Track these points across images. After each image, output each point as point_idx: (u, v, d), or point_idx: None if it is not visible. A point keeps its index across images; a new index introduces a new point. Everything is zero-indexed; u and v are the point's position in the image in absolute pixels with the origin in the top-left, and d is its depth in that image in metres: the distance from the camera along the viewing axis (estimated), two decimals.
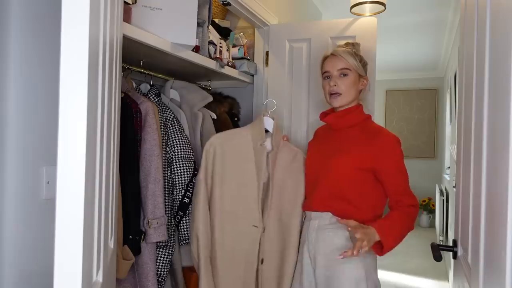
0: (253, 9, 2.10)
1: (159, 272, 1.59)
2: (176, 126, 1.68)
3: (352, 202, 1.45)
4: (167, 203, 1.62)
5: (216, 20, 2.21)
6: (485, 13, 0.84)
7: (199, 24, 1.70)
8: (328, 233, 1.48)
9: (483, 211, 0.82)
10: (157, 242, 1.56)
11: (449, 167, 4.65)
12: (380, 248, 1.37)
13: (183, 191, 1.65)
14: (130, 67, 1.61)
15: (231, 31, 2.21)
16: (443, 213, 4.58)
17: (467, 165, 1.02)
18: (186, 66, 1.79)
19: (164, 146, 1.63)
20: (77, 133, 0.65)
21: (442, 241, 4.54)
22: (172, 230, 1.66)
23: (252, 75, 2.35)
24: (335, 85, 1.52)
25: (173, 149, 1.65)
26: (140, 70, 1.68)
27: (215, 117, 2.00)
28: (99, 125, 0.78)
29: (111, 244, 1.05)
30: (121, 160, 1.32)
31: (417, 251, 4.90)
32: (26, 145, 1.13)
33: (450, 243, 1.46)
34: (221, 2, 1.92)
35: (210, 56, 1.87)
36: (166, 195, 1.62)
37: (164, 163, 1.61)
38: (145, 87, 1.79)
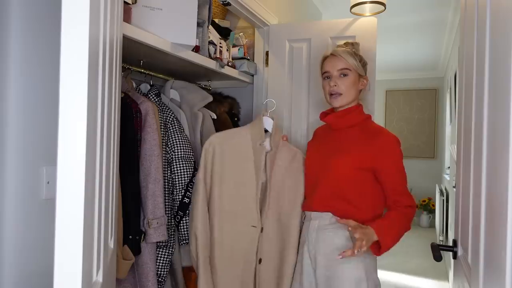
0: (253, 9, 2.10)
1: (159, 272, 1.59)
2: (176, 126, 1.68)
3: (352, 202, 1.46)
4: (167, 203, 1.62)
5: (216, 20, 2.21)
6: (485, 13, 0.84)
7: (199, 24, 1.70)
8: (328, 233, 1.48)
9: (483, 211, 0.82)
10: (157, 242, 1.56)
11: (449, 167, 4.65)
12: (378, 248, 1.38)
13: (183, 191, 1.66)
14: (130, 67, 1.61)
15: (231, 31, 2.21)
16: (443, 213, 4.58)
17: (467, 165, 1.02)
18: (186, 66, 1.79)
19: (164, 146, 1.63)
20: (77, 133, 0.65)
21: (442, 241, 4.54)
22: (172, 230, 1.66)
23: (252, 75, 2.35)
24: (335, 85, 1.52)
25: (173, 149, 1.65)
26: (140, 70, 1.68)
27: (215, 117, 2.00)
28: (99, 125, 0.78)
29: (111, 244, 1.05)
30: (121, 160, 1.32)
31: (417, 251, 4.90)
32: (26, 145, 1.13)
33: (450, 243, 1.46)
34: (221, 2, 1.92)
35: (210, 56, 1.87)
36: (166, 195, 1.62)
37: (164, 163, 1.61)
38: (145, 87, 1.79)
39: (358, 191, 1.47)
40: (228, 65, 2.03)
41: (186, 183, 1.66)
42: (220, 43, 2.00)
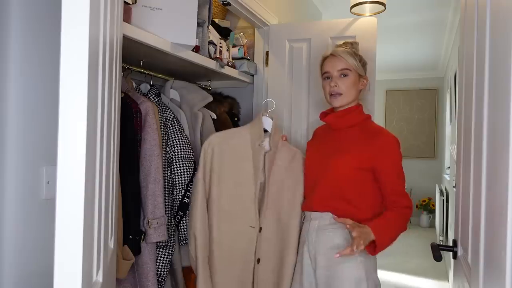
0: (253, 9, 2.10)
1: (159, 272, 1.59)
2: (176, 126, 1.68)
3: (352, 202, 1.46)
4: (167, 203, 1.62)
5: (216, 20, 2.21)
6: (485, 13, 0.84)
7: (199, 24, 1.70)
8: (328, 233, 1.48)
9: (483, 211, 0.82)
10: (157, 242, 1.56)
11: (449, 167, 4.66)
12: (373, 247, 1.38)
13: (183, 191, 1.65)
14: (130, 67, 1.61)
15: (231, 31, 2.21)
16: (443, 213, 4.58)
17: (467, 165, 1.02)
18: (186, 66, 1.79)
19: (164, 146, 1.63)
20: (77, 133, 0.65)
21: (442, 241, 4.55)
22: (172, 230, 1.66)
23: (252, 75, 2.35)
24: (335, 85, 1.51)
25: (173, 149, 1.65)
26: (140, 70, 1.68)
27: (215, 117, 2.00)
28: (99, 125, 0.78)
29: (111, 244, 1.05)
30: (121, 160, 1.32)
31: (417, 251, 4.90)
32: (26, 145, 1.13)
33: (450, 243, 1.46)
34: (221, 2, 1.92)
35: (210, 56, 1.87)
36: (166, 195, 1.62)
37: (164, 163, 1.61)
38: (145, 87, 1.79)
39: (358, 191, 1.47)
40: (228, 65, 2.03)
41: (186, 183, 1.66)
42: (220, 43, 2.00)
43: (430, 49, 5.00)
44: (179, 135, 1.67)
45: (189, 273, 1.79)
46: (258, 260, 1.57)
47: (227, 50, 2.08)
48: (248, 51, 2.33)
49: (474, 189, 0.92)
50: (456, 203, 1.26)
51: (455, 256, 1.22)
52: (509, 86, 0.63)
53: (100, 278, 0.85)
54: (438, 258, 1.20)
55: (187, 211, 1.66)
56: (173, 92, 1.90)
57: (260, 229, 1.57)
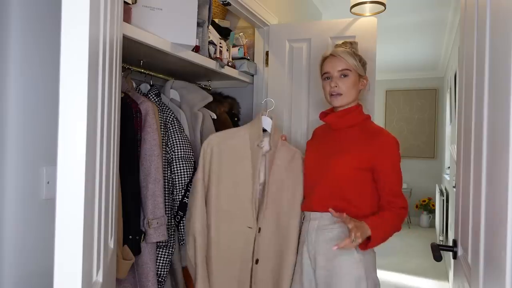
0: (253, 9, 2.10)
1: (159, 272, 1.59)
2: (176, 126, 1.68)
3: (352, 202, 1.46)
4: (167, 203, 1.62)
5: (216, 20, 2.21)
6: (485, 13, 0.84)
7: (199, 24, 1.70)
8: (327, 233, 1.48)
9: (483, 211, 0.82)
10: (157, 242, 1.56)
11: (449, 167, 4.66)
12: (365, 243, 1.38)
13: (183, 191, 1.65)
14: (130, 67, 1.61)
15: (231, 31, 2.21)
16: (443, 213, 4.58)
17: (467, 165, 1.02)
18: (186, 66, 1.79)
19: (164, 146, 1.63)
20: (77, 133, 0.65)
21: (442, 241, 4.55)
22: (172, 230, 1.65)
23: (252, 75, 2.35)
24: (336, 86, 1.51)
25: (173, 149, 1.65)
26: (140, 70, 1.68)
27: (215, 117, 2.00)
28: (99, 125, 0.78)
29: (111, 244, 1.05)
30: (121, 160, 1.32)
31: (417, 251, 4.90)
32: (26, 145, 1.13)
33: (450, 243, 1.46)
34: (221, 2, 1.92)
35: (210, 56, 1.87)
36: (166, 195, 1.62)
37: (164, 163, 1.61)
38: (145, 87, 1.79)
39: (358, 191, 1.47)
40: (228, 65, 2.03)
41: (186, 183, 1.66)
42: (220, 43, 2.00)
43: (430, 49, 5.00)
44: (179, 135, 1.67)
45: (189, 273, 1.78)
46: (257, 261, 1.57)
47: (227, 50, 2.08)
48: (248, 51, 2.33)
49: (474, 189, 0.92)
50: (456, 203, 1.26)
51: (455, 256, 1.22)
52: (509, 86, 0.63)
53: (100, 278, 0.85)
54: (438, 258, 1.20)
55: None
56: (173, 92, 1.90)
57: (260, 229, 1.57)
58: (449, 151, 4.50)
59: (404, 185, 6.35)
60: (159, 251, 1.60)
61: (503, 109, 0.67)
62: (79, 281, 0.65)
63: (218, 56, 1.95)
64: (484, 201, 0.81)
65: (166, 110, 1.69)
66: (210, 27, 1.90)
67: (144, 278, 1.50)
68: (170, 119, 1.67)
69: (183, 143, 1.68)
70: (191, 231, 1.53)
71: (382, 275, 3.94)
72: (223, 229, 1.56)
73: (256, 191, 1.58)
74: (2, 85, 1.07)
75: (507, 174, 0.63)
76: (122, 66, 1.53)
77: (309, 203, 1.54)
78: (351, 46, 1.57)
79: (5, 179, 1.08)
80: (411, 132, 6.61)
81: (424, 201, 6.25)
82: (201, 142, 1.84)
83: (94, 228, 0.78)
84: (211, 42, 1.90)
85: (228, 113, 2.17)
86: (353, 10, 2.29)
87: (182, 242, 1.69)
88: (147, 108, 1.52)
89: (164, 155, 1.62)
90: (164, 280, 1.61)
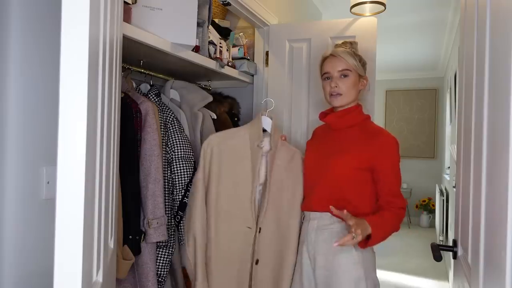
0: (253, 9, 2.10)
1: (159, 272, 1.59)
2: (176, 126, 1.68)
3: (352, 202, 1.46)
4: (167, 203, 1.62)
5: (216, 20, 2.21)
6: (485, 13, 0.84)
7: (199, 24, 1.70)
8: (327, 233, 1.48)
9: (483, 211, 0.82)
10: (157, 242, 1.56)
11: (449, 167, 4.66)
12: (364, 242, 1.37)
13: (183, 191, 1.65)
14: (130, 67, 1.61)
15: (231, 31, 2.21)
16: (443, 213, 4.58)
17: (467, 165, 1.02)
18: (186, 66, 1.79)
19: (164, 146, 1.63)
20: (77, 133, 0.65)
21: (442, 241, 4.55)
22: (172, 230, 1.66)
23: (252, 75, 2.35)
24: (336, 86, 1.51)
25: (173, 149, 1.65)
26: (140, 70, 1.68)
27: (215, 117, 2.00)
28: (99, 125, 0.78)
29: (111, 244, 1.05)
30: (121, 160, 1.32)
31: (417, 251, 4.90)
32: (26, 145, 1.13)
33: (450, 243, 1.46)
34: (221, 2, 1.92)
35: (210, 56, 1.87)
36: (166, 195, 1.62)
37: (164, 163, 1.61)
38: (145, 87, 1.79)
39: (357, 191, 1.47)
40: (228, 65, 2.03)
41: (186, 183, 1.66)
42: (220, 43, 2.00)
43: (430, 49, 5.00)
44: (179, 135, 1.67)
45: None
46: (257, 261, 1.57)
47: (227, 50, 2.08)
48: (248, 51, 2.33)
49: (474, 189, 0.92)
50: (456, 203, 1.26)
51: (455, 256, 1.22)
52: (509, 86, 0.63)
53: (100, 278, 0.85)
54: (438, 258, 1.20)
55: None
56: (173, 92, 1.90)
57: (260, 229, 1.57)
58: (449, 151, 4.50)
59: (404, 185, 6.36)
60: (159, 251, 1.60)
61: (503, 109, 0.67)
62: (79, 281, 0.65)
63: (218, 56, 1.95)
64: (484, 201, 0.81)
65: (166, 110, 1.69)
66: (210, 27, 1.90)
67: (144, 278, 1.50)
68: (170, 119, 1.67)
69: (183, 143, 1.68)
70: (192, 231, 1.53)
71: (382, 275, 3.94)
72: (222, 229, 1.56)
73: (256, 191, 1.58)
74: (2, 85, 1.07)
75: (507, 174, 0.63)
76: (122, 66, 1.53)
77: (309, 203, 1.54)
78: (351, 46, 1.57)
79: (5, 179, 1.08)
80: (411, 132, 6.61)
81: (424, 201, 6.25)
82: (201, 142, 1.84)
83: (94, 228, 0.78)
84: (211, 42, 1.90)
85: (228, 113, 2.17)
86: (353, 10, 2.29)
87: (182, 242, 1.69)
88: (147, 108, 1.52)
89: (164, 155, 1.62)
90: (164, 280, 1.61)
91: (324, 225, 1.49)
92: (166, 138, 1.65)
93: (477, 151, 0.89)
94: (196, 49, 1.71)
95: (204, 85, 2.18)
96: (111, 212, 1.02)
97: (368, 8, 2.30)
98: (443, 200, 4.58)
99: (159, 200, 1.51)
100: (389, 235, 1.43)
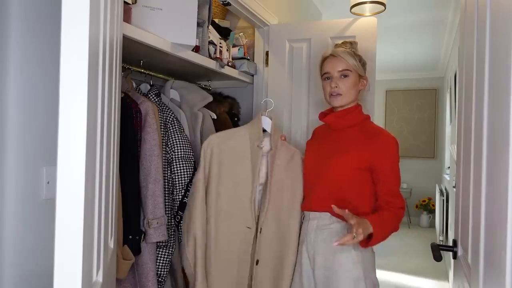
0: (253, 9, 2.10)
1: (159, 272, 1.59)
2: (176, 126, 1.68)
3: (352, 202, 1.46)
4: (167, 203, 1.62)
5: (216, 20, 2.21)
6: (485, 13, 0.84)
7: (199, 24, 1.70)
8: (327, 233, 1.48)
9: (483, 211, 0.82)
10: (157, 242, 1.56)
11: (449, 167, 4.66)
12: (365, 241, 1.37)
13: (183, 191, 1.65)
14: (130, 67, 1.61)
15: (231, 31, 2.21)
16: (443, 213, 4.58)
17: (467, 165, 1.02)
18: (186, 66, 1.79)
19: (164, 146, 1.63)
20: (77, 133, 0.65)
21: (442, 241, 4.55)
22: (172, 230, 1.66)
23: (252, 75, 2.35)
24: (336, 86, 1.51)
25: (173, 149, 1.65)
26: (140, 70, 1.68)
27: (215, 117, 2.00)
28: (99, 125, 0.78)
29: (111, 244, 1.05)
30: (121, 160, 1.32)
31: (417, 251, 4.90)
32: (26, 145, 1.13)
33: (450, 243, 1.46)
34: (221, 2, 1.92)
35: (210, 56, 1.87)
36: (166, 195, 1.62)
37: (164, 163, 1.61)
38: (145, 87, 1.79)
39: (357, 191, 1.47)
40: (228, 65, 2.03)
41: (186, 183, 1.66)
42: (220, 43, 2.00)
43: (430, 49, 5.00)
44: (179, 135, 1.67)
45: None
46: (257, 262, 1.57)
47: (227, 50, 2.08)
48: (248, 51, 2.33)
49: (474, 189, 0.92)
50: (456, 203, 1.26)
51: (455, 256, 1.22)
52: (509, 86, 0.63)
53: (100, 278, 0.85)
54: (438, 258, 1.20)
55: None
56: (173, 92, 1.89)
57: (261, 230, 1.57)
58: (449, 151, 4.50)
59: (404, 185, 6.36)
60: (159, 251, 1.60)
61: (503, 109, 0.67)
62: (79, 281, 0.65)
63: (218, 56, 1.95)
64: (484, 201, 0.81)
65: (166, 110, 1.69)
66: (210, 27, 1.90)
67: (144, 278, 1.50)
68: (170, 119, 1.67)
69: (183, 143, 1.68)
70: (192, 231, 1.53)
71: (382, 275, 3.94)
72: (222, 229, 1.56)
73: (256, 191, 1.58)
74: (2, 85, 1.07)
75: (507, 174, 0.63)
76: (122, 66, 1.53)
77: (309, 203, 1.54)
78: (351, 46, 1.57)
79: (5, 179, 1.08)
80: (411, 132, 6.61)
81: (424, 201, 6.25)
82: (201, 142, 1.84)
83: (94, 228, 0.78)
84: (211, 42, 1.90)
85: (228, 113, 2.17)
86: (353, 10, 2.29)
87: (182, 242, 1.69)
88: (147, 108, 1.52)
89: (164, 155, 1.62)
90: (164, 280, 1.61)
91: (323, 225, 1.49)
92: (166, 138, 1.65)
93: (477, 151, 0.89)
94: (196, 49, 1.71)
95: (204, 85, 2.18)
96: (111, 212, 1.02)
97: (368, 8, 2.30)
98: (443, 200, 4.59)
99: (159, 200, 1.51)
100: (389, 235, 1.43)
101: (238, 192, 1.58)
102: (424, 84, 6.54)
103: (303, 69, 2.23)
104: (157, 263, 1.59)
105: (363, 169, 1.46)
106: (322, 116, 1.61)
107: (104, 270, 0.88)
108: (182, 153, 1.66)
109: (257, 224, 1.58)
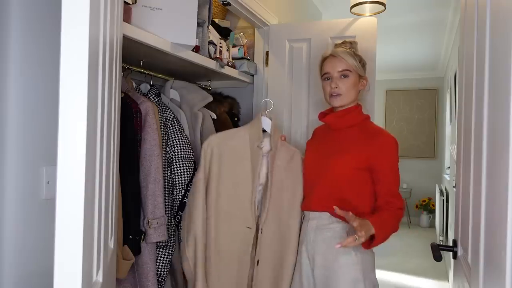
0: (253, 9, 2.10)
1: (159, 272, 1.59)
2: (176, 126, 1.68)
3: (351, 202, 1.46)
4: (167, 203, 1.62)
5: (216, 20, 2.21)
6: (485, 13, 0.84)
7: (199, 24, 1.70)
8: (326, 233, 1.48)
9: (483, 211, 0.82)
10: (157, 242, 1.56)
11: (449, 167, 4.66)
12: (368, 242, 1.37)
13: (183, 191, 1.65)
14: (130, 67, 1.61)
15: (231, 31, 2.21)
16: (443, 213, 4.58)
17: (467, 165, 1.02)
18: (186, 66, 1.79)
19: (164, 146, 1.63)
20: (77, 133, 0.65)
21: (442, 241, 4.55)
22: (172, 230, 1.66)
23: (252, 75, 2.35)
24: (336, 87, 1.51)
25: (173, 149, 1.65)
26: (140, 70, 1.68)
27: (215, 117, 2.00)
28: (99, 125, 0.78)
29: (111, 244, 1.05)
30: (121, 160, 1.32)
31: (417, 251, 4.90)
32: (26, 145, 1.13)
33: (450, 243, 1.46)
34: (221, 2, 1.92)
35: (210, 56, 1.87)
36: (166, 195, 1.62)
37: (164, 163, 1.61)
38: (145, 87, 1.79)
39: (357, 191, 1.47)
40: (228, 65, 2.03)
41: (186, 183, 1.66)
42: (220, 43, 2.00)
43: (430, 49, 5.00)
44: (179, 135, 1.67)
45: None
46: (258, 262, 1.57)
47: (227, 50, 2.08)
48: (248, 51, 2.33)
49: (474, 189, 0.92)
50: (456, 203, 1.26)
51: (455, 256, 1.22)
52: (509, 86, 0.63)
53: (100, 278, 0.85)
54: (438, 258, 1.20)
55: None
56: (173, 92, 1.89)
57: (261, 230, 1.57)
58: (449, 151, 4.50)
59: (404, 185, 6.36)
60: (159, 251, 1.60)
61: (503, 109, 0.67)
62: (79, 281, 0.65)
63: (218, 56, 1.95)
64: (484, 201, 0.81)
65: (166, 110, 1.69)
66: (210, 27, 1.90)
67: (144, 278, 1.50)
68: (170, 119, 1.67)
69: (183, 143, 1.68)
70: (192, 231, 1.53)
71: (382, 275, 3.94)
72: (223, 229, 1.56)
73: (256, 191, 1.58)
74: (2, 85, 1.07)
75: (507, 174, 0.63)
76: (122, 66, 1.53)
77: (308, 203, 1.54)
78: (351, 46, 1.57)
79: (5, 179, 1.08)
80: (411, 132, 6.61)
81: (424, 201, 6.25)
82: (201, 142, 1.84)
83: (94, 228, 0.78)
84: (211, 42, 1.90)
85: (228, 113, 2.17)
86: (353, 10, 2.29)
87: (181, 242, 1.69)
88: (147, 108, 1.52)
89: (164, 155, 1.62)
90: (164, 280, 1.61)
91: (323, 225, 1.49)
92: (166, 138, 1.65)
93: (477, 151, 0.89)
94: (196, 49, 1.71)
95: (204, 85, 2.18)
96: (111, 212, 1.02)
97: (368, 8, 2.30)
98: (443, 200, 4.59)
99: (159, 200, 1.51)
100: (389, 236, 1.42)
101: (238, 193, 1.58)
102: (424, 84, 6.54)
103: (303, 69, 2.23)
104: (157, 263, 1.59)
105: (363, 169, 1.46)
106: (322, 116, 1.61)
107: (104, 270, 0.88)
108: (182, 153, 1.66)
109: (257, 224, 1.58)
